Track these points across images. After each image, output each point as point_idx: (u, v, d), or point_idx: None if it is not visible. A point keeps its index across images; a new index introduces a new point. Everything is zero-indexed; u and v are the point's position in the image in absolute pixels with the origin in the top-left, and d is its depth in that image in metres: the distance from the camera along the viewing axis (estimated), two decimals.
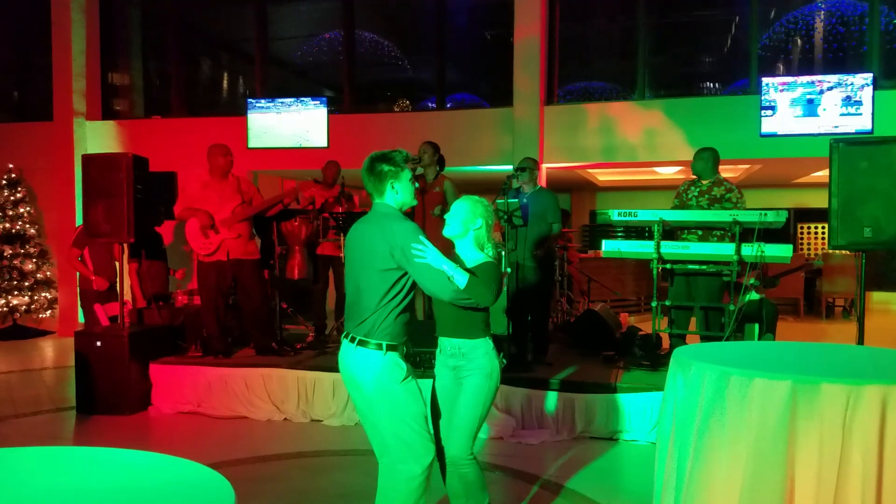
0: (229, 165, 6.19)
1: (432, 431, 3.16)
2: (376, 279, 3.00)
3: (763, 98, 8.68)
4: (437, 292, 3.00)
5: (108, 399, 6.02)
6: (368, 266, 3.02)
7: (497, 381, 3.19)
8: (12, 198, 10.62)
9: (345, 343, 3.11)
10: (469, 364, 3.16)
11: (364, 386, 3.03)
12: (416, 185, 3.16)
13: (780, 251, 5.39)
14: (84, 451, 2.19)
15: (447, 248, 3.26)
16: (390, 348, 3.02)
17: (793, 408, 2.50)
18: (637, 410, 5.19)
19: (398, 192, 3.10)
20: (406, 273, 3.01)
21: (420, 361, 5.44)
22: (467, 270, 3.06)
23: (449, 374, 3.24)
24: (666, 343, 6.26)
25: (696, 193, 6.08)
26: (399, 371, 3.04)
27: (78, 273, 7.35)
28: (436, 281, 2.96)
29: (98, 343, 6.08)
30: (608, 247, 6.00)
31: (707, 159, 6.08)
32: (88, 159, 6.19)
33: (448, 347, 3.22)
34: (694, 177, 6.23)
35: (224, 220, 6.06)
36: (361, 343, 3.02)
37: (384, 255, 2.97)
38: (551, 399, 5.31)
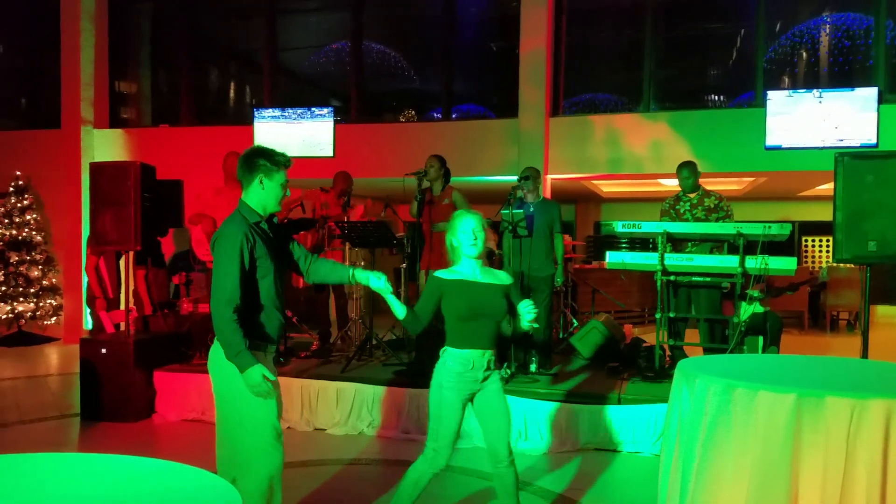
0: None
1: (278, 442, 3.09)
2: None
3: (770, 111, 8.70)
4: (212, 306, 2.93)
5: (112, 406, 6.03)
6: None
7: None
8: (19, 205, 10.67)
9: None
10: (493, 373, 3.26)
11: (213, 384, 3.04)
12: (288, 193, 3.14)
13: (783, 264, 5.39)
14: (91, 457, 2.20)
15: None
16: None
17: (797, 421, 2.51)
18: (641, 422, 5.18)
19: (264, 189, 3.03)
20: (247, 272, 2.95)
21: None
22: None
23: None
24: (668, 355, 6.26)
25: (687, 207, 6.15)
26: (228, 374, 2.98)
27: (97, 280, 7.35)
28: (214, 293, 2.91)
29: (103, 350, 6.09)
30: (612, 258, 6.01)
31: (690, 175, 6.19)
32: (97, 167, 6.22)
33: (473, 359, 3.21)
34: (676, 191, 6.31)
35: None
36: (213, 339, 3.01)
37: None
38: (555, 410, 5.30)
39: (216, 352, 3.02)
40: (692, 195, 6.19)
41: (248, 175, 3.02)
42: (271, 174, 3.02)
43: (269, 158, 3.01)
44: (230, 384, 2.96)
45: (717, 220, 6.02)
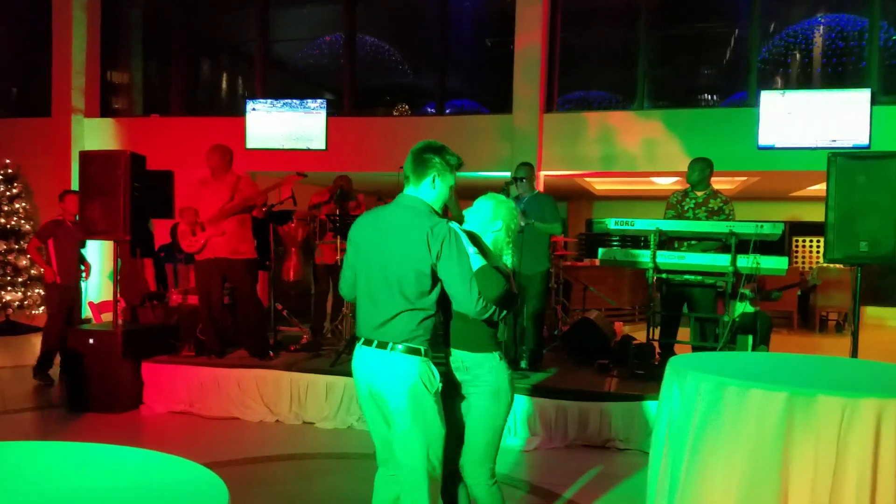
0: (222, 164, 6.11)
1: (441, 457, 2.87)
2: (412, 281, 2.71)
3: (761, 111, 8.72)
4: (464, 303, 2.70)
5: (99, 397, 5.99)
6: (401, 266, 2.72)
7: (507, 400, 2.91)
8: (8, 193, 10.60)
9: (367, 350, 2.80)
10: (474, 381, 2.88)
11: (397, 398, 2.73)
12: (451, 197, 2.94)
13: (775, 263, 5.40)
14: (77, 447, 2.17)
15: None
16: (426, 354, 2.77)
17: (789, 419, 2.50)
18: (631, 419, 5.18)
19: (436, 190, 2.83)
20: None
21: None
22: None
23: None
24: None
25: (692, 205, 6.10)
26: (434, 382, 2.76)
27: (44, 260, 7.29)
28: (463, 291, 2.67)
29: (91, 340, 6.05)
30: (604, 255, 6.00)
31: (703, 169, 6.11)
32: (86, 156, 6.17)
33: (454, 360, 2.91)
34: (685, 187, 6.27)
35: (210, 218, 6.01)
36: (394, 348, 2.73)
37: (421, 256, 2.69)
38: (545, 406, 5.29)
39: (399, 361, 2.74)
40: (699, 193, 6.12)
41: (420, 172, 2.81)
42: (444, 175, 2.84)
43: (445, 158, 2.84)
44: (417, 391, 2.73)
45: None
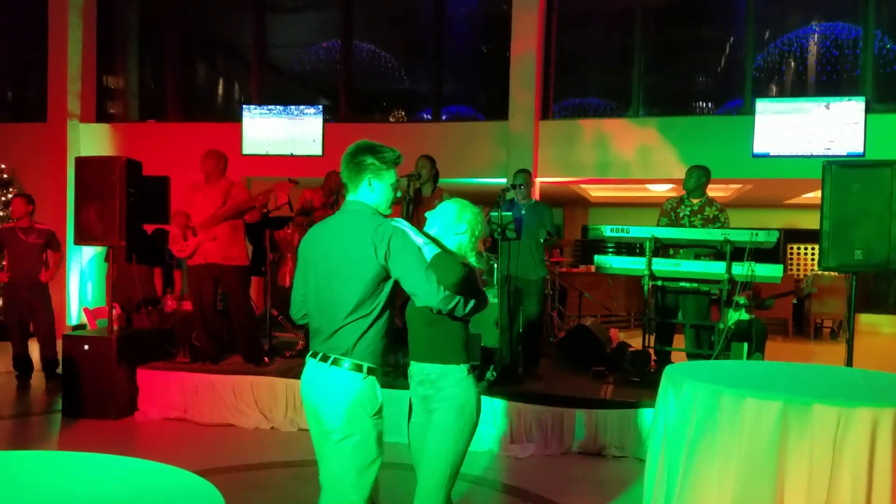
0: (216, 170, 6.09)
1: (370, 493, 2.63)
2: (355, 287, 2.58)
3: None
4: (425, 297, 2.53)
5: (94, 403, 5.96)
6: (344, 271, 2.61)
7: (472, 417, 2.68)
8: (3, 198, 10.55)
9: (312, 363, 2.67)
10: (438, 394, 2.69)
11: (331, 415, 2.59)
12: (399, 194, 2.79)
13: (770, 271, 5.42)
14: (71, 455, 2.17)
15: None
16: (371, 371, 2.61)
17: (784, 428, 2.51)
18: (626, 426, 5.18)
19: (374, 192, 2.69)
20: (388, 280, 2.62)
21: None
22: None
23: (420, 405, 2.79)
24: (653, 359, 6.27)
25: (687, 213, 6.13)
26: (374, 403, 2.62)
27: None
28: (420, 283, 2.52)
29: (86, 346, 6.03)
30: (600, 262, 6.02)
31: (700, 177, 6.14)
32: (82, 162, 6.17)
33: (417, 373, 2.76)
34: (679, 195, 6.29)
35: (202, 223, 6.00)
36: (336, 362, 2.60)
37: (365, 259, 2.56)
38: (540, 413, 5.29)
39: (339, 378, 2.60)
40: (695, 201, 6.15)
41: (354, 177, 2.69)
42: (380, 174, 2.68)
43: (377, 156, 2.68)
44: (354, 412, 2.59)
45: None
